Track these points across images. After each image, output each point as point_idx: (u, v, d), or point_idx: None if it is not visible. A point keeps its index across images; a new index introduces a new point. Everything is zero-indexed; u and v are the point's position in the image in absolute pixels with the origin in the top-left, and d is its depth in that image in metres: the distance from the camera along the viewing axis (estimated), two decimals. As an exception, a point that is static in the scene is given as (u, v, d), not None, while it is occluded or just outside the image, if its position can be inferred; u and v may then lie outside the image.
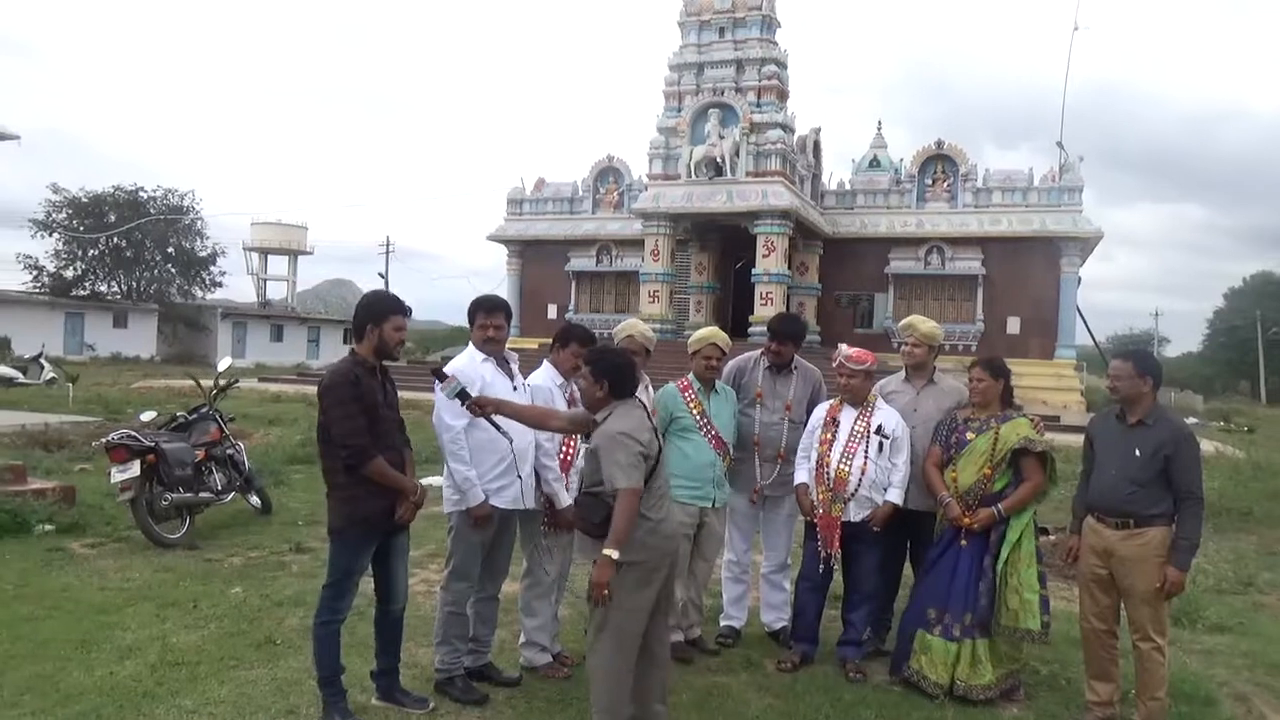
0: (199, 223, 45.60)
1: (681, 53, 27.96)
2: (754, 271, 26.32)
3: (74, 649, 4.58)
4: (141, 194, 43.87)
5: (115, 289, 43.84)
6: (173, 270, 44.83)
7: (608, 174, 32.41)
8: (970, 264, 27.87)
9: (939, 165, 28.74)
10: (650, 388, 4.87)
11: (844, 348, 4.87)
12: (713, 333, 4.99)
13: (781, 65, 27.36)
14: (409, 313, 4.03)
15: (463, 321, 4.60)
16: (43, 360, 24.91)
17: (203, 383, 8.91)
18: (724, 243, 29.33)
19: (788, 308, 26.15)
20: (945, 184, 28.61)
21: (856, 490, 4.68)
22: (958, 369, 7.88)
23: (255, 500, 8.11)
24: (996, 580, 4.41)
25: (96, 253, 43.05)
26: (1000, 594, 4.41)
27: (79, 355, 37.00)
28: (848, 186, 30.15)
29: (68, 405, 16.68)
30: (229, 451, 7.87)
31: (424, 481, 4.10)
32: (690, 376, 4.97)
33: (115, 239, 42.22)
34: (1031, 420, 4.58)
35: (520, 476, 4.24)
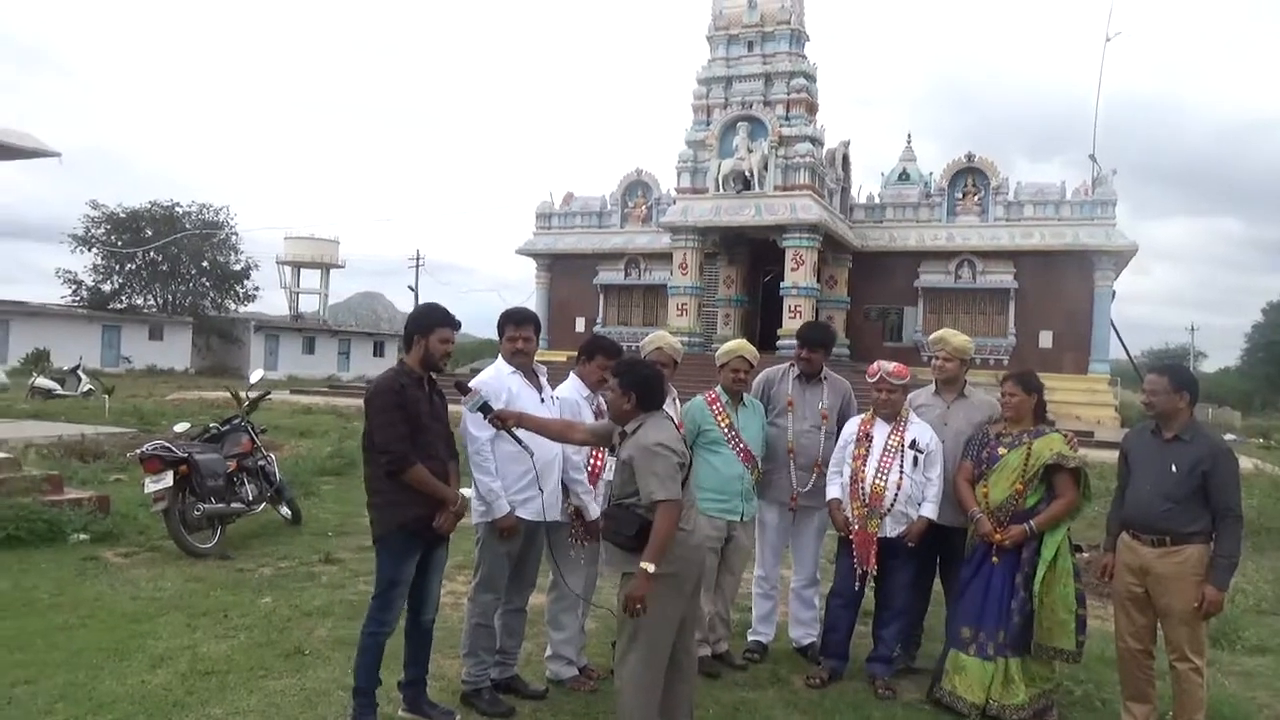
0: (233, 237, 46.36)
1: (710, 66, 28.04)
2: (782, 285, 26.25)
3: (107, 657, 4.63)
4: (177, 209, 44.69)
5: (151, 302, 44.61)
6: (207, 284, 45.54)
7: (636, 187, 32.51)
8: (1002, 277, 27.62)
9: (969, 178, 28.55)
10: (677, 400, 4.86)
11: (884, 364, 4.85)
12: (741, 345, 4.98)
13: (810, 78, 27.35)
14: (458, 326, 4.07)
15: (492, 334, 4.62)
16: (80, 372, 25.30)
17: (239, 394, 9.01)
18: (752, 256, 29.29)
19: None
20: (976, 197, 28.41)
21: (892, 506, 4.64)
22: (989, 383, 7.80)
23: (285, 511, 8.19)
24: (1031, 598, 4.34)
25: (133, 267, 43.85)
26: (1036, 613, 4.34)
27: (115, 367, 37.59)
28: (877, 200, 30.02)
29: (104, 416, 16.94)
30: (260, 463, 7.95)
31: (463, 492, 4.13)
32: (718, 389, 4.96)
33: (152, 254, 42.98)
34: (1065, 435, 4.51)
35: (543, 489, 4.24)
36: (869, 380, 4.85)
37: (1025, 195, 27.84)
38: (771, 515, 5.15)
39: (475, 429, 4.13)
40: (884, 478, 4.66)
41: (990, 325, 27.74)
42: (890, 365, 4.83)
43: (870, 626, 4.94)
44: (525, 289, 60.00)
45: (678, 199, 27.84)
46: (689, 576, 3.59)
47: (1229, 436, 21.01)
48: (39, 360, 30.74)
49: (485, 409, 3.95)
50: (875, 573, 4.72)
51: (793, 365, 5.24)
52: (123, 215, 43.33)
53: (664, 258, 29.13)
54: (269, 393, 10.00)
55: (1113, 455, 4.81)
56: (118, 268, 43.69)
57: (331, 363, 47.27)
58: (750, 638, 5.24)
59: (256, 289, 47.88)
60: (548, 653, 4.61)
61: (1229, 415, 34.37)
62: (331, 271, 59.80)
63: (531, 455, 4.09)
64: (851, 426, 4.91)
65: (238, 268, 46.29)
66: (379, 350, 51.22)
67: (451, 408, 4.16)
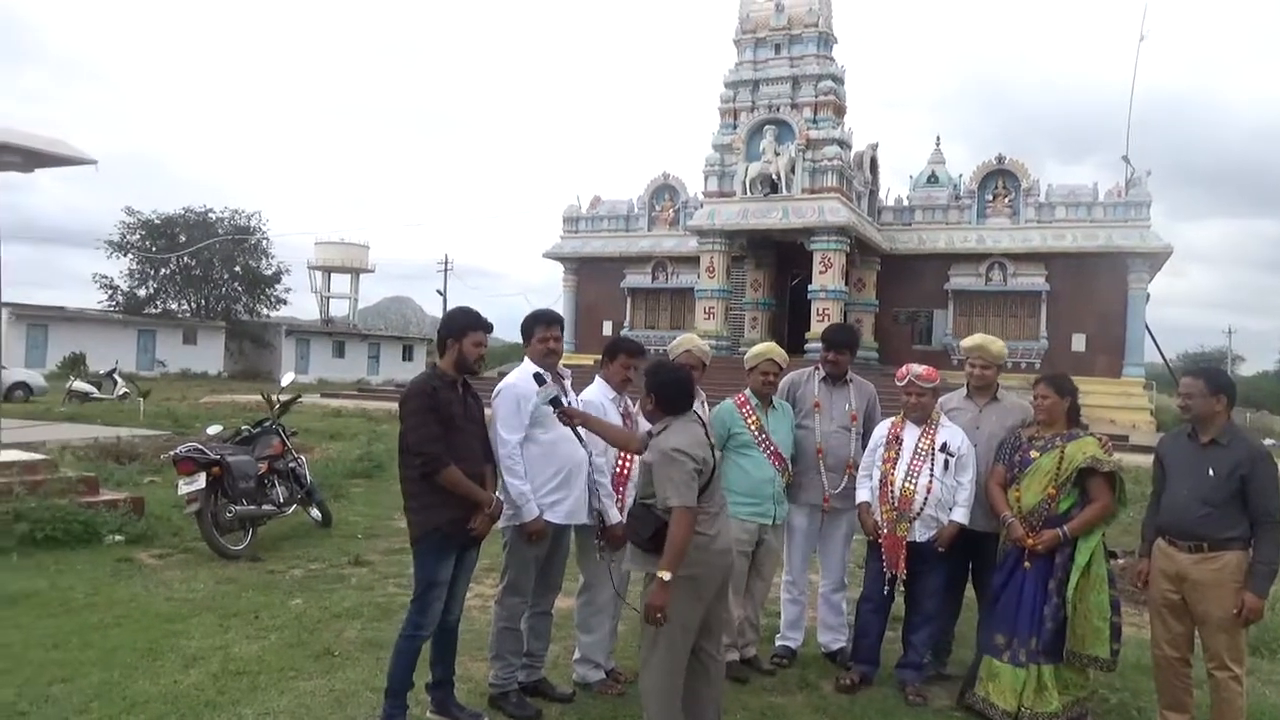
0: (265, 242, 46.96)
1: (737, 70, 28.00)
2: (810, 288, 26.16)
3: (141, 657, 4.69)
4: (210, 215, 45.35)
5: (185, 307, 45.30)
6: (239, 289, 46.18)
7: (663, 191, 32.54)
8: (1033, 280, 27.35)
9: (1000, 180, 28.32)
10: (705, 403, 4.85)
11: (914, 367, 4.81)
12: (770, 348, 4.96)
13: (838, 81, 27.24)
14: (490, 328, 4.10)
15: (517, 338, 4.64)
16: (116, 376, 25.71)
17: (271, 397, 9.11)
18: (779, 259, 29.21)
19: (845, 324, 25.88)
20: (1007, 199, 28.16)
21: (922, 510, 4.59)
22: (1021, 387, 7.70)
23: (316, 513, 8.25)
24: (1065, 605, 4.28)
25: (168, 272, 44.56)
26: (1069, 619, 4.27)
27: (150, 371, 38.17)
28: (905, 202, 29.85)
29: (139, 419, 17.19)
30: (291, 465, 8.02)
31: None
32: (748, 392, 4.94)
33: (185, 259, 43.65)
34: (1099, 439, 4.44)
35: (571, 492, 4.24)
36: (898, 383, 4.81)
37: (1057, 197, 27.57)
38: (800, 519, 5.12)
39: (506, 431, 4.14)
40: (914, 481, 4.61)
41: (1022, 328, 27.47)
42: (919, 368, 4.79)
43: (900, 632, 4.89)
44: (551, 293, 60.19)
45: (705, 202, 27.83)
46: (710, 581, 3.57)
47: (1268, 441, 20.61)
48: (76, 364, 31.30)
49: (555, 403, 4.00)
50: (904, 577, 4.67)
51: (817, 368, 5.22)
52: (157, 221, 44.05)
53: (691, 261, 29.14)
54: (299, 396, 10.10)
55: (1148, 460, 4.74)
56: (152, 273, 44.42)
57: (361, 366, 47.70)
58: (778, 642, 5.20)
59: (287, 293, 48.56)
60: (575, 655, 4.61)
61: (1268, 419, 33.78)
62: (361, 276, 60.38)
63: (590, 455, 4.16)
64: (882, 429, 4.87)
65: (269, 272, 46.90)
66: (408, 354, 51.61)
67: (487, 411, 4.18)
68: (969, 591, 5.03)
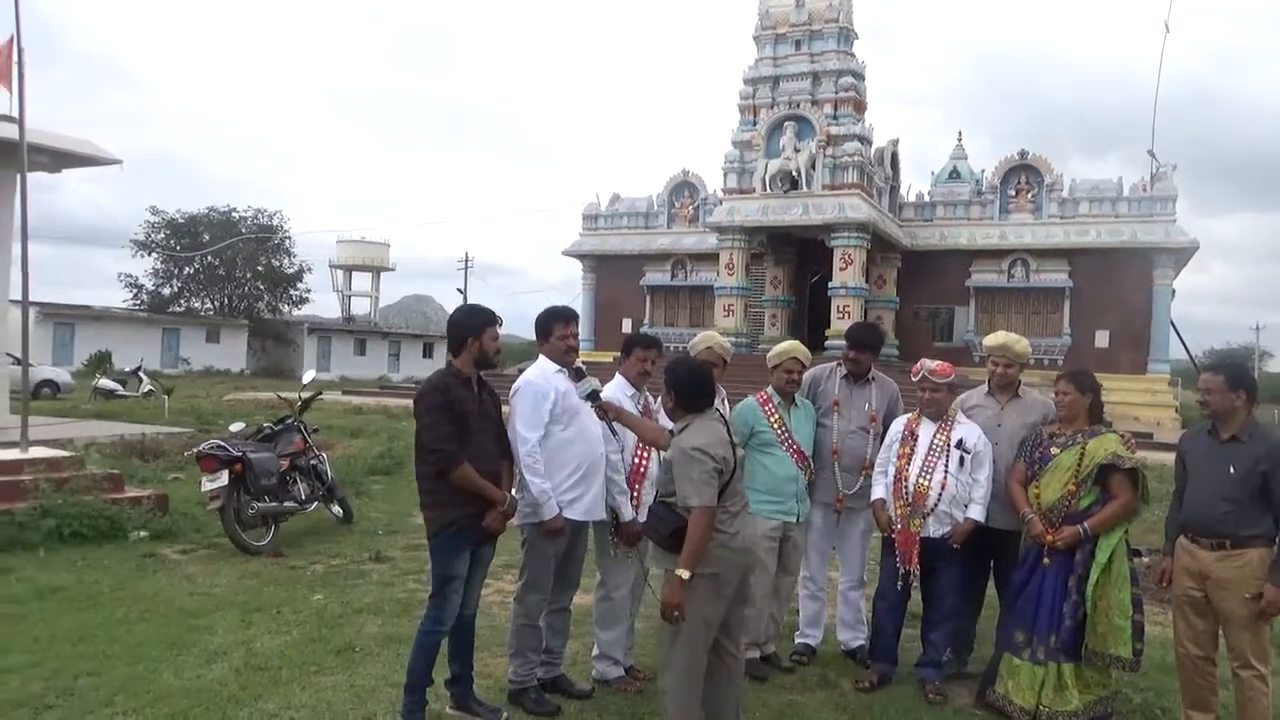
0: (287, 241, 47.34)
1: (757, 66, 27.91)
2: (831, 284, 26.03)
3: (165, 651, 4.75)
4: (234, 214, 45.78)
5: (209, 305, 45.77)
6: (262, 287, 46.59)
7: (682, 188, 32.49)
8: (1056, 276, 27.10)
9: (1023, 175, 28.06)
10: (725, 401, 4.84)
11: (927, 362, 4.78)
12: (793, 346, 4.95)
13: (859, 77, 27.09)
14: (500, 321, 4.16)
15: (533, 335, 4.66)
16: (141, 374, 26.03)
17: (286, 397, 9.18)
18: (799, 256, 29.10)
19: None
20: (1029, 195, 27.89)
21: (936, 505, 4.57)
22: (1044, 384, 7.64)
23: (337, 510, 8.32)
24: (1085, 603, 4.24)
25: (191, 271, 45.04)
26: (1090, 617, 4.24)
27: (174, 369, 38.59)
28: (927, 198, 29.62)
29: (163, 416, 17.36)
30: (312, 462, 8.08)
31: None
32: (770, 390, 4.93)
33: (209, 258, 44.08)
34: (1122, 436, 4.40)
35: (591, 489, 4.26)
36: (913, 379, 4.79)
37: (1081, 192, 27.28)
38: (817, 517, 5.10)
39: (526, 429, 4.15)
40: (928, 477, 4.59)
41: (1045, 325, 27.22)
42: (933, 363, 4.75)
43: (920, 630, 4.87)
44: (570, 290, 60.14)
45: (724, 199, 27.76)
46: (729, 579, 3.57)
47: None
48: (101, 362, 31.64)
49: (593, 396, 4.08)
50: (918, 573, 4.65)
51: (839, 365, 5.19)
52: (181, 220, 44.52)
53: (710, 258, 29.06)
54: (320, 393, 10.17)
55: (1172, 457, 4.68)
56: (176, 272, 44.93)
57: (382, 364, 47.98)
58: (798, 640, 5.19)
59: (309, 291, 48.93)
60: (594, 652, 4.62)
61: (1295, 417, 33.23)
62: (382, 274, 60.68)
63: (621, 449, 4.27)
64: (898, 426, 4.85)
65: (291, 271, 47.30)
66: (428, 352, 51.86)
67: (505, 409, 4.20)
68: (991, 589, 5.01)
